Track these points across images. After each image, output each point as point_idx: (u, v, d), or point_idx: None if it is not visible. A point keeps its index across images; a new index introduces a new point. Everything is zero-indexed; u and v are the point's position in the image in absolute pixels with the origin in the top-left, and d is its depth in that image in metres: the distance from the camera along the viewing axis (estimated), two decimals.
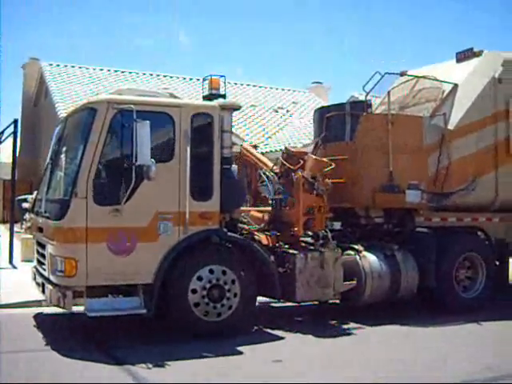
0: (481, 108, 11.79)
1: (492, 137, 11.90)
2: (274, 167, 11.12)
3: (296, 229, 10.23)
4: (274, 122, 27.20)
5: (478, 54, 12.38)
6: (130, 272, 8.64)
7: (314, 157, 10.74)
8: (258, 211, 11.02)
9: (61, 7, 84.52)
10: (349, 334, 9.79)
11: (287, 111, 30.68)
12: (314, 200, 10.32)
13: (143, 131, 8.33)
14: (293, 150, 11.21)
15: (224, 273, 9.17)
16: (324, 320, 10.77)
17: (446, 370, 7.89)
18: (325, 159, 10.71)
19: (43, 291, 9.21)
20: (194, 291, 8.96)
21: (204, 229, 9.14)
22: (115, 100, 8.91)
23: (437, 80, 12.16)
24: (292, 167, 10.58)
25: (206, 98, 10.49)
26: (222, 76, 10.58)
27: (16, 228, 17.92)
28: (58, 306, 8.70)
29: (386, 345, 9.23)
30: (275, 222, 10.55)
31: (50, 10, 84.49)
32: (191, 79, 31.61)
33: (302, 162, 10.63)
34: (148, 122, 8.37)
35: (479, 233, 12.26)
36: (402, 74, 12.97)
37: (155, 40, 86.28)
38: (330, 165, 10.50)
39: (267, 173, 10.86)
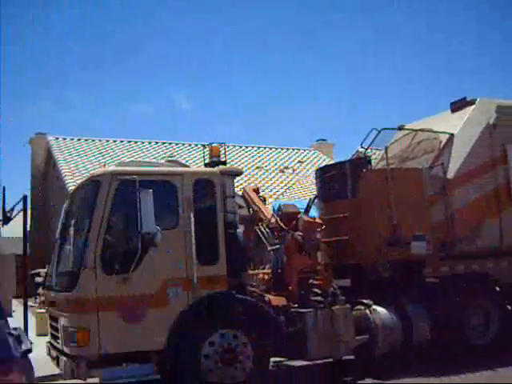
0: (478, 155, 11.96)
1: (492, 183, 12.04)
2: (272, 220, 11.12)
3: (290, 288, 10.30)
4: (281, 182, 27.33)
5: (472, 103, 12.61)
6: (142, 339, 8.65)
7: (305, 218, 10.79)
8: (263, 273, 11.09)
9: (60, 80, 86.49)
10: None
11: (293, 170, 30.80)
12: (306, 260, 10.45)
13: (147, 200, 8.47)
14: (287, 209, 11.14)
15: (235, 336, 9.16)
16: (339, 377, 10.69)
17: None
18: (317, 220, 10.84)
19: (58, 364, 9.23)
20: (207, 357, 8.96)
21: (212, 292, 9.18)
22: (118, 171, 9.14)
23: (433, 131, 12.36)
24: (285, 227, 10.71)
25: (207, 165, 10.73)
26: (221, 143, 10.86)
27: (30, 302, 17.99)
28: (72, 377, 8.67)
29: None
30: (276, 282, 10.64)
31: (51, 85, 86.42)
32: (196, 145, 31.92)
33: (294, 222, 10.74)
34: (151, 190, 8.51)
35: (489, 278, 12.16)
36: (400, 129, 13.17)
37: (155, 106, 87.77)
38: (322, 225, 10.67)
39: (263, 229, 10.98)
